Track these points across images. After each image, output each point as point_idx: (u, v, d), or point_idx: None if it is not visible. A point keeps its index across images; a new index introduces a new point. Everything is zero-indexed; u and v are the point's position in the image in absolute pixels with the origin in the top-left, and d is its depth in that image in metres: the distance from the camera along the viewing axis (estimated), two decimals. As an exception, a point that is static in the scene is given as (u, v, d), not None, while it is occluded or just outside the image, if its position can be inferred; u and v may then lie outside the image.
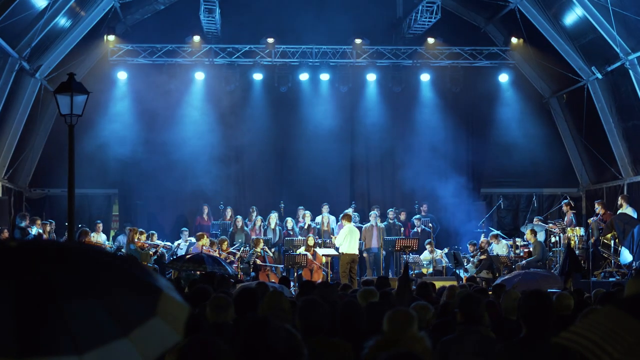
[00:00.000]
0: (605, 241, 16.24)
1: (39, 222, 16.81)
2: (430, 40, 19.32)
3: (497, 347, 4.54)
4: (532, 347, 4.21)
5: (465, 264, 16.51)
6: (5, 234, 15.86)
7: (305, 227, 17.83)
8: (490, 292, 10.66)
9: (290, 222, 17.94)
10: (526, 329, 4.34)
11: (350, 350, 4.59)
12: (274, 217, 17.81)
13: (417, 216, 18.54)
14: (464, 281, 14.36)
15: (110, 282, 1.95)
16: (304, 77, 19.64)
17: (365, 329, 4.91)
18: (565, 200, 18.54)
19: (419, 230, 18.16)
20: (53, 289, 1.85)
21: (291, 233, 17.73)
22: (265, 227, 17.74)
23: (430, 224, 18.33)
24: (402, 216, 18.84)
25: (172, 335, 1.92)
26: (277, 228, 17.74)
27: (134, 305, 1.92)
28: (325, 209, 18.21)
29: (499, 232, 17.55)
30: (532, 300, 4.49)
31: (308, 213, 18.10)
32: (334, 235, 17.61)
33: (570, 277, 11.08)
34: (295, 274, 16.21)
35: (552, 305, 4.48)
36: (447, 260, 16.96)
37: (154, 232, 17.26)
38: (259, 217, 17.93)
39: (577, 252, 16.38)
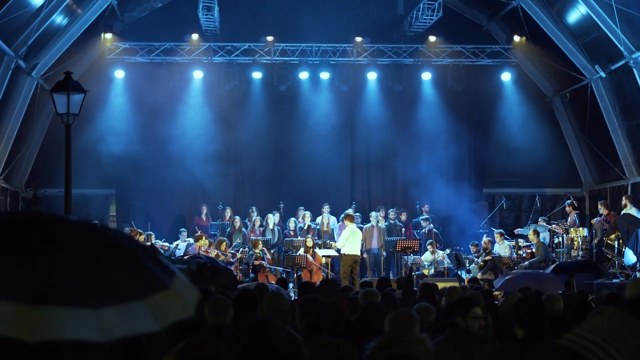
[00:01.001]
0: (609, 242, 16.25)
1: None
2: (432, 38, 19.33)
3: (497, 348, 4.55)
4: (532, 349, 4.22)
5: (467, 265, 16.51)
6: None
7: (305, 227, 17.83)
8: (496, 293, 10.67)
9: (292, 222, 17.94)
10: (523, 331, 4.35)
11: (352, 350, 4.60)
12: (271, 218, 17.80)
13: (425, 216, 18.53)
14: (465, 282, 14.37)
15: (130, 254, 2.15)
16: (303, 75, 19.65)
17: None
18: (569, 201, 18.54)
19: (426, 231, 18.12)
20: (75, 250, 2.04)
21: (292, 233, 17.73)
22: (264, 227, 17.74)
23: (431, 224, 18.33)
24: (403, 216, 18.84)
25: (186, 308, 2.09)
26: (275, 228, 17.73)
27: (152, 276, 2.09)
28: (325, 209, 18.20)
29: (501, 231, 17.56)
30: (528, 303, 4.51)
31: (308, 213, 18.10)
32: (334, 236, 17.61)
33: (572, 277, 11.08)
34: (295, 275, 16.21)
35: (545, 306, 4.51)
36: (448, 261, 16.97)
37: (151, 232, 17.28)
38: (258, 218, 17.92)
39: (580, 253, 16.40)
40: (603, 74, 17.88)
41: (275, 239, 17.62)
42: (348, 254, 15.86)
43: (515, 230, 18.11)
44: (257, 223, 17.74)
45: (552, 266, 11.84)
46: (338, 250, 16.25)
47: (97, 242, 2.14)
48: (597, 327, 1.80)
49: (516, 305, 4.60)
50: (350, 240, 15.93)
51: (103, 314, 1.91)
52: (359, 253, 16.15)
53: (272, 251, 17.20)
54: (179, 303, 2.08)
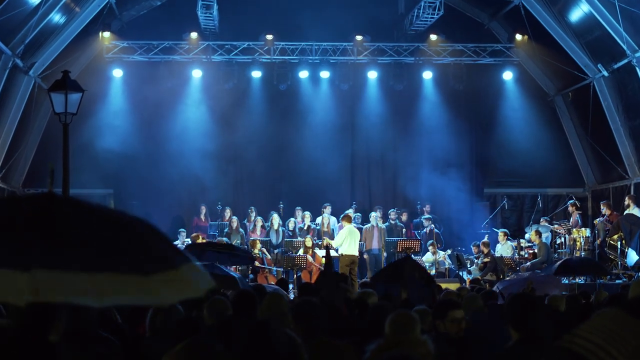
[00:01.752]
0: (612, 242, 16.26)
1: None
2: (433, 37, 19.35)
3: (496, 352, 4.48)
4: (527, 352, 4.14)
5: (468, 266, 16.52)
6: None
7: (305, 228, 17.84)
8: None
9: (292, 222, 17.94)
10: (517, 334, 4.22)
11: (350, 351, 4.60)
12: (276, 218, 17.78)
13: (426, 216, 18.54)
14: (467, 283, 14.39)
15: (158, 232, 2.42)
16: (303, 74, 19.65)
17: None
18: (571, 201, 18.57)
19: (428, 231, 18.13)
20: (118, 224, 2.31)
21: (291, 234, 17.74)
22: (268, 228, 17.74)
23: (433, 225, 18.32)
24: (404, 217, 18.83)
25: (210, 281, 2.32)
26: (280, 229, 17.72)
27: (178, 250, 2.38)
28: (327, 209, 18.19)
29: (505, 230, 17.57)
30: (519, 302, 4.37)
31: (307, 214, 18.10)
32: (335, 237, 17.62)
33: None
34: (295, 275, 16.22)
35: (542, 307, 4.40)
36: (450, 262, 16.97)
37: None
38: (259, 218, 17.90)
39: (582, 253, 16.42)
40: (606, 73, 17.89)
41: (280, 240, 17.59)
42: (345, 254, 15.85)
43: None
44: (259, 223, 17.72)
45: (558, 262, 11.81)
46: (337, 250, 16.26)
47: (132, 219, 2.39)
48: (598, 327, 1.82)
49: (507, 306, 4.40)
50: (347, 240, 15.92)
51: (154, 279, 2.09)
52: (356, 253, 16.14)
53: (275, 252, 17.17)
54: (204, 275, 2.29)
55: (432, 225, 18.12)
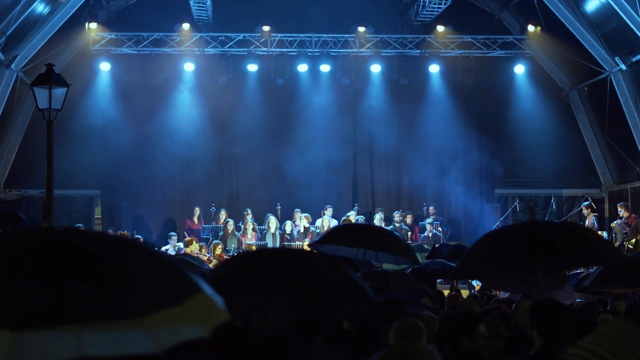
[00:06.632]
0: (630, 246, 16.28)
1: (15, 225, 16.81)
2: (440, 28, 19.37)
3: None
4: (552, 357, 4.17)
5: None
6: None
7: (303, 230, 17.88)
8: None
9: (289, 225, 17.98)
10: (542, 340, 4.27)
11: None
12: (273, 221, 17.79)
13: (430, 220, 18.56)
14: (476, 289, 14.41)
15: (165, 263, 2.32)
16: (302, 68, 19.67)
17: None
18: (586, 202, 18.59)
19: (430, 235, 18.15)
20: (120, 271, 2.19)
21: (289, 237, 17.77)
22: (265, 231, 17.77)
23: (440, 228, 18.35)
24: (409, 219, 18.85)
25: (223, 314, 2.21)
26: (277, 232, 17.73)
27: (187, 278, 2.25)
28: (328, 212, 18.21)
29: None
30: (548, 307, 4.42)
31: (305, 216, 18.13)
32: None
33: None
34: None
35: (568, 314, 4.43)
36: (458, 267, 16.99)
37: (139, 236, 17.30)
38: (250, 221, 17.90)
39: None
40: (623, 67, 17.92)
41: (277, 244, 17.59)
42: (347, 259, 15.87)
43: None
44: (250, 226, 17.74)
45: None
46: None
47: (120, 246, 2.31)
48: (604, 339, 1.86)
49: (534, 310, 4.47)
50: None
51: (149, 321, 2.01)
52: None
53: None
54: (214, 307, 2.18)
55: (438, 230, 18.15)
